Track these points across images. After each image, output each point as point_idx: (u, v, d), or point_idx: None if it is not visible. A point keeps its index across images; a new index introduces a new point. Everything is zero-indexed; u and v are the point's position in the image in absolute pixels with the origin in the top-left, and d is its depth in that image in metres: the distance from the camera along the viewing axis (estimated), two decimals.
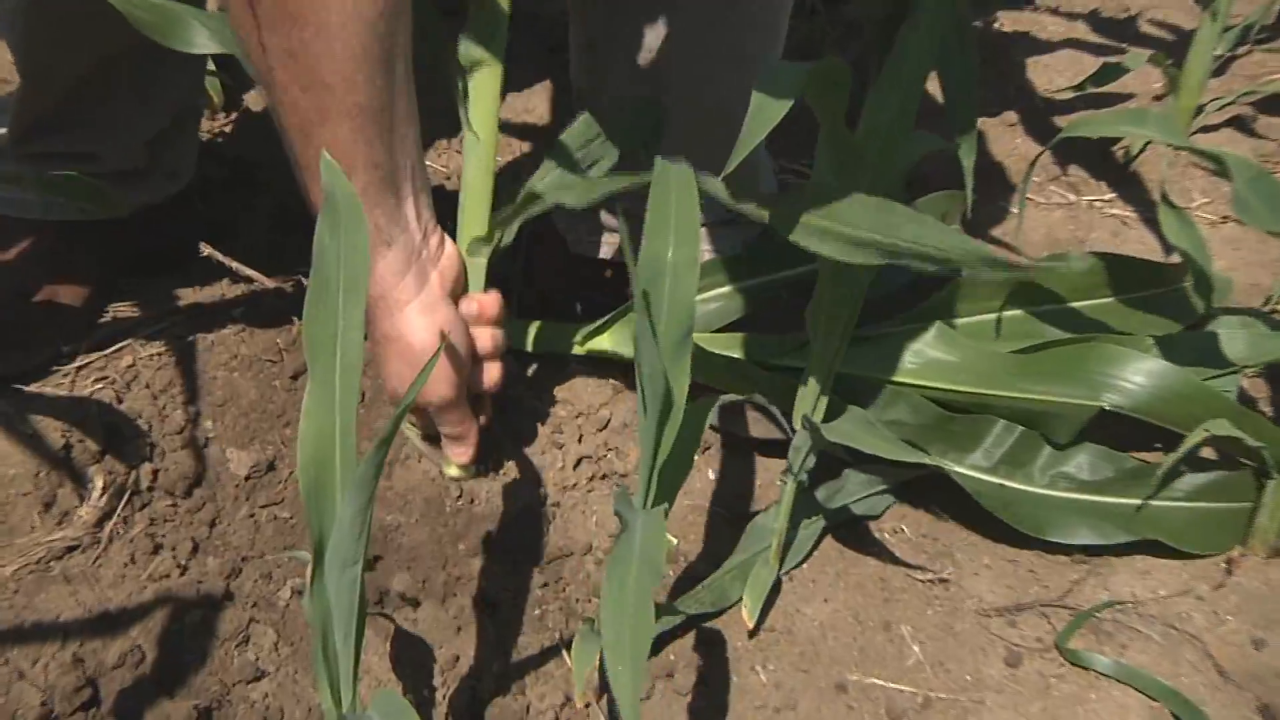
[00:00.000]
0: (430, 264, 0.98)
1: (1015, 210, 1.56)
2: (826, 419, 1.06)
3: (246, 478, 1.10)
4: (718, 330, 1.22)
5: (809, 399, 1.03)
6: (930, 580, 1.08)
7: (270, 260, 1.31)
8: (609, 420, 1.19)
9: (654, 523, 0.82)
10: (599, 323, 1.19)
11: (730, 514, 1.13)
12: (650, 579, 0.77)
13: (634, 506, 0.86)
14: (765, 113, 0.79)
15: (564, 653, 0.99)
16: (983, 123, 1.73)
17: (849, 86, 0.88)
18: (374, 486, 0.66)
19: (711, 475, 1.17)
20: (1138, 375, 1.09)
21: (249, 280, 1.29)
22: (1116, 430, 1.12)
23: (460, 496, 1.09)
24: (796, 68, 0.82)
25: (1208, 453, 1.12)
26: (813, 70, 0.81)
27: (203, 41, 0.96)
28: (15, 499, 1.05)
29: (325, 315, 0.73)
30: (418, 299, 0.96)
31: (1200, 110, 1.68)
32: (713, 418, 1.13)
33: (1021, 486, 1.11)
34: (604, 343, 1.20)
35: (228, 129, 1.65)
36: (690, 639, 1.01)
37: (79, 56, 1.16)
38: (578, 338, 1.20)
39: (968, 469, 1.11)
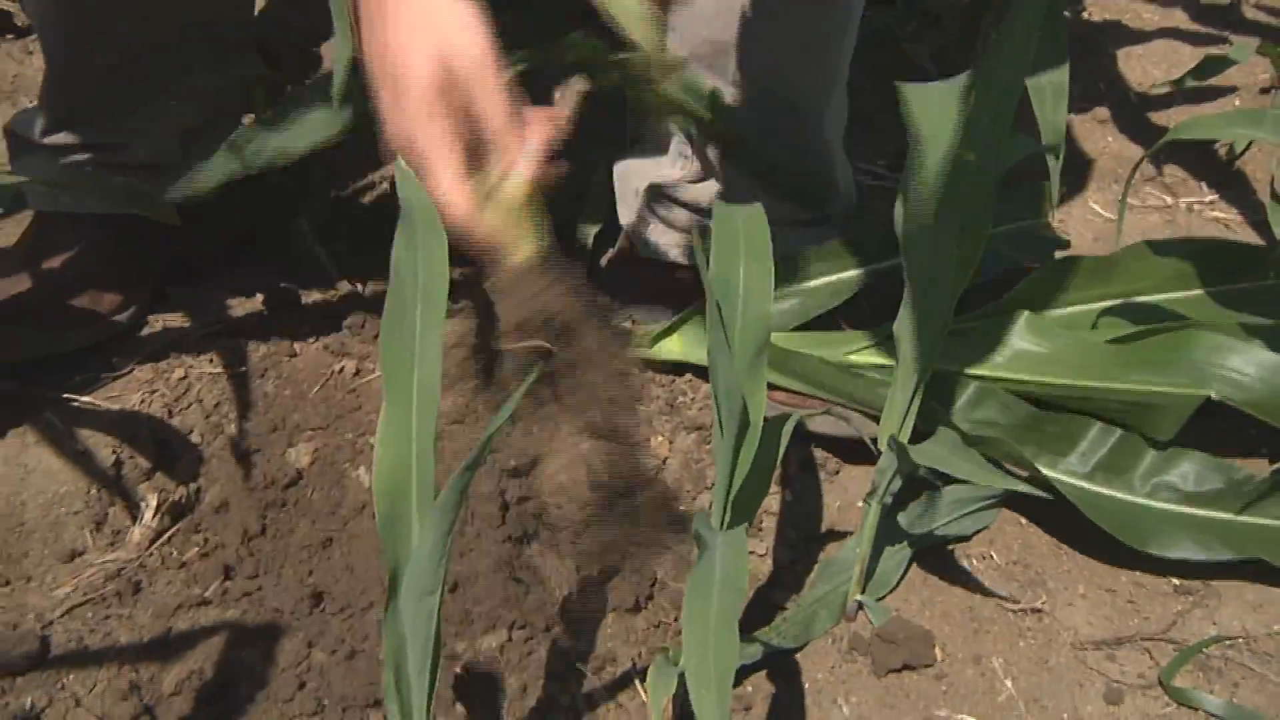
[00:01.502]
0: None
1: (1108, 215, 1.55)
2: (916, 428, 1.06)
3: (303, 490, 1.13)
4: (794, 329, 1.24)
5: (895, 416, 1.04)
6: (1022, 610, 1.08)
7: (313, 266, 1.36)
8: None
9: (735, 544, 0.83)
10: (667, 324, 1.21)
11: (803, 534, 1.14)
12: (734, 604, 0.78)
13: (713, 528, 0.87)
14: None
15: (637, 683, 1.00)
16: (1072, 119, 1.72)
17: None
18: (456, 514, 0.67)
19: (783, 492, 1.18)
20: (1250, 366, 1.10)
21: (322, 272, 1.34)
22: (1215, 432, 1.14)
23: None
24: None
25: None
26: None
27: None
28: (66, 518, 1.08)
29: (402, 334, 0.74)
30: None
31: None
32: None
33: (1121, 495, 1.11)
34: (673, 346, 1.22)
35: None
36: (767, 669, 1.02)
37: (113, 42, 1.18)
38: (645, 341, 1.21)
39: (1063, 474, 1.11)
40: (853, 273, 1.23)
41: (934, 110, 0.90)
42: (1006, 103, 0.97)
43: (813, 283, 1.24)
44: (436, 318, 0.75)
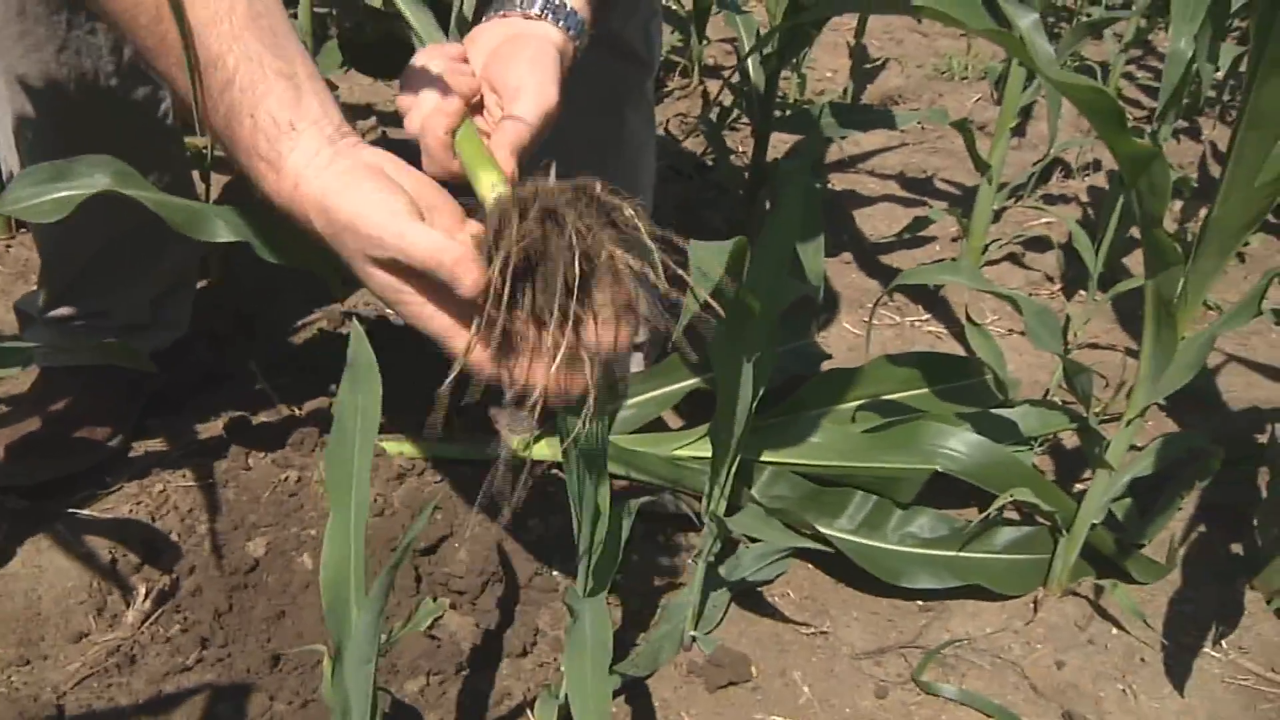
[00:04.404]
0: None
1: (856, 332, 1.61)
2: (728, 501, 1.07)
3: (260, 574, 1.08)
4: (632, 432, 1.24)
5: (715, 498, 1.05)
6: (813, 633, 1.09)
7: (260, 397, 1.32)
8: None
9: (598, 609, 0.82)
10: (538, 432, 1.19)
11: (646, 587, 1.13)
12: (604, 654, 0.77)
13: (580, 596, 0.86)
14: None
15: (529, 712, 0.98)
16: (825, 262, 1.77)
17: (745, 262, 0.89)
18: (384, 601, 0.65)
19: (629, 556, 1.16)
20: (960, 445, 1.14)
21: (270, 404, 1.30)
22: (941, 493, 1.17)
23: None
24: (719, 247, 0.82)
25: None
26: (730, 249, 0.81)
27: (223, 233, 0.90)
28: (75, 606, 1.02)
29: (343, 460, 0.72)
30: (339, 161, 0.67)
31: (986, 249, 1.76)
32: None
33: (878, 544, 1.14)
34: (543, 449, 1.20)
35: (219, 285, 1.60)
36: (626, 693, 1.00)
37: (92, 240, 1.15)
38: (521, 445, 1.19)
39: (837, 531, 1.14)
40: (676, 387, 1.25)
41: (710, 260, 0.87)
42: (781, 260, 1.00)
43: (645, 395, 1.25)
44: (369, 450, 0.73)
